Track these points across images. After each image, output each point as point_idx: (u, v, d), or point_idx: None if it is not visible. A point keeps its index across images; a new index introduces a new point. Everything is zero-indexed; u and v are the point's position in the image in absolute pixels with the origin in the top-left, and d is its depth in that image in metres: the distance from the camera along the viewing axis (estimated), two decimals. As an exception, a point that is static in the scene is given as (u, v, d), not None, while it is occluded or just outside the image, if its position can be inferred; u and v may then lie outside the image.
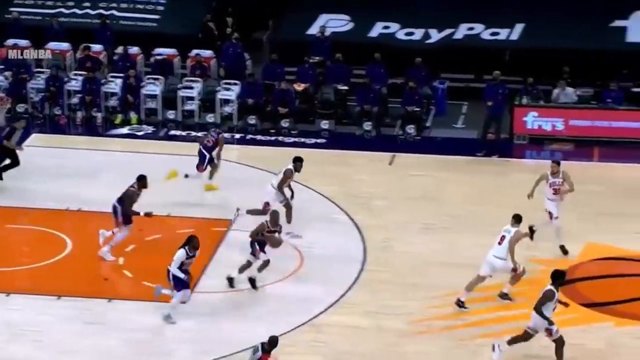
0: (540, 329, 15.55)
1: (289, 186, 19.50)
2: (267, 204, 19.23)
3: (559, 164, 19.02)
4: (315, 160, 21.95)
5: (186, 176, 20.67)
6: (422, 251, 19.07)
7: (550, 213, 18.88)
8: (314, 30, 27.02)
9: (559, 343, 15.49)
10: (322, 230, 19.60)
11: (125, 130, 25.13)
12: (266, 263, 17.55)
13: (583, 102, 24.59)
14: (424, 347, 16.18)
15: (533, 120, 24.37)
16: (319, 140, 24.39)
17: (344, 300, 17.52)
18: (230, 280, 17.68)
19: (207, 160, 20.77)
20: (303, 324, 16.68)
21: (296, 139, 24.54)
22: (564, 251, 18.90)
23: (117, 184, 20.96)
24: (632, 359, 15.90)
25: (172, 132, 25.12)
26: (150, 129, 25.17)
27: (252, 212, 19.19)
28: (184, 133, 25.03)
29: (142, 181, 18.65)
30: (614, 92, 24.45)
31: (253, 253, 17.54)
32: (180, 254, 16.67)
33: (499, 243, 17.22)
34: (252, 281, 17.60)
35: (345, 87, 25.53)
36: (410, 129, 24.86)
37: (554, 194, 18.90)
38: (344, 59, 25.72)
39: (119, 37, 26.81)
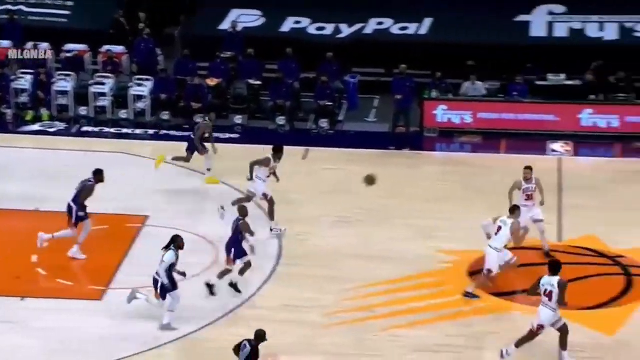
0: (552, 323, 15.55)
1: (275, 175, 19.65)
2: (265, 195, 19.49)
3: (531, 169, 18.75)
4: (229, 155, 22.09)
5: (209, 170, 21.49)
6: (337, 244, 19.32)
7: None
8: (225, 25, 27.10)
9: (566, 330, 15.64)
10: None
11: (36, 127, 24.92)
12: (245, 267, 17.40)
13: (490, 96, 25.15)
14: (338, 339, 16.41)
15: (443, 114, 24.84)
16: (232, 135, 24.49)
17: (261, 294, 17.70)
18: (210, 287, 17.42)
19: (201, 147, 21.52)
20: (220, 318, 16.81)
21: (210, 134, 24.63)
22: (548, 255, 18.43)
23: (28, 181, 20.89)
24: (539, 346, 16.30)
25: (85, 129, 25.00)
26: (62, 126, 25.00)
27: (270, 215, 19.39)
28: (96, 129, 24.93)
29: (99, 175, 18.54)
30: (520, 86, 25.01)
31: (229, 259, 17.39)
32: (170, 256, 16.36)
33: (496, 234, 17.41)
34: (233, 286, 17.44)
35: (258, 82, 25.69)
36: (323, 123, 25.14)
37: (526, 200, 18.54)
38: (256, 54, 25.86)
39: (28, 33, 26.52)
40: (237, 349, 14.36)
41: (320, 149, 23.78)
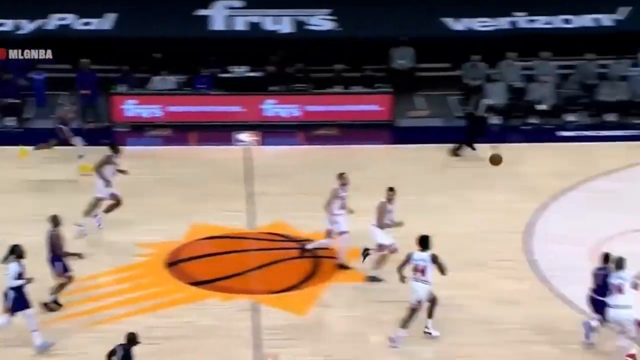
0: (429, 297, 16.15)
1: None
2: (112, 195, 19.22)
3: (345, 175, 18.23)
4: None
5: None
6: (33, 243, 18.91)
7: (328, 230, 18.22)
8: None
9: (435, 302, 16.32)
10: None
11: None
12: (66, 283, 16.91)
13: (178, 89, 25.69)
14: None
15: (133, 108, 25.10)
16: None
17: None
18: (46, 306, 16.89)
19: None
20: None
21: None
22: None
23: None
24: (243, 331, 16.88)
25: None
26: None
27: (87, 212, 18.95)
28: None
29: None
30: (205, 78, 25.72)
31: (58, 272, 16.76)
32: (14, 267, 15.54)
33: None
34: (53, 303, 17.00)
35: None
36: (11, 121, 24.72)
37: (340, 208, 18.10)
38: None
39: None
40: (110, 355, 14.17)
41: (7, 148, 23.34)
